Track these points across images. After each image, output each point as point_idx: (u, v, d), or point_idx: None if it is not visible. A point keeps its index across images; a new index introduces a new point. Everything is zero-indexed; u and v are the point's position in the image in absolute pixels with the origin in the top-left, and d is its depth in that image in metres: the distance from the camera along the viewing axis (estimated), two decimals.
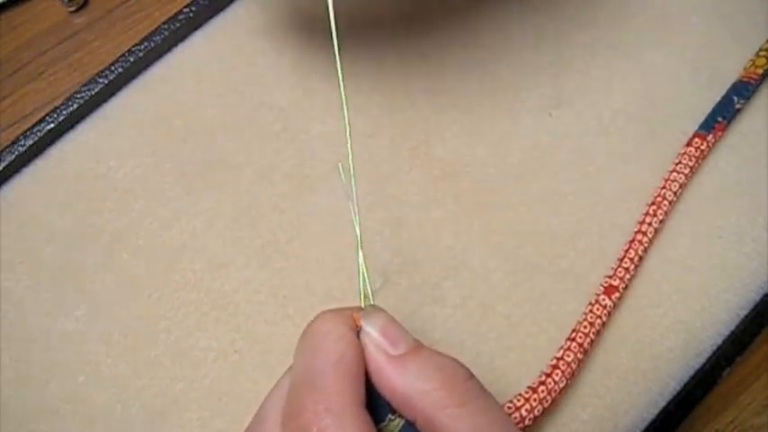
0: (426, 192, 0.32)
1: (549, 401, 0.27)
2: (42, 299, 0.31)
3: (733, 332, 0.29)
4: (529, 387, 0.27)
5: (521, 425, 0.27)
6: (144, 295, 0.31)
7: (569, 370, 0.28)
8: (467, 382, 0.21)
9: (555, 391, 0.28)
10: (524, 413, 0.27)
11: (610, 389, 0.29)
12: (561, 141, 0.32)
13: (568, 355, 0.28)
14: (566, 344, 0.28)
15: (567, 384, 0.28)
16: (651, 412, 0.29)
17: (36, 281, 0.31)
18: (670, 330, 0.29)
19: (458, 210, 0.31)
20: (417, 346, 0.21)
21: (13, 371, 0.30)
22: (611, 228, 0.31)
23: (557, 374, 0.28)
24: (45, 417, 0.29)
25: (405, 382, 0.20)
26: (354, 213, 0.25)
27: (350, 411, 0.20)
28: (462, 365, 0.21)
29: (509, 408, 0.27)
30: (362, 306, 0.24)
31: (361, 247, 0.24)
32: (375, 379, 0.21)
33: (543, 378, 0.28)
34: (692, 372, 0.29)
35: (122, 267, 0.31)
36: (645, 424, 0.28)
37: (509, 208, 0.31)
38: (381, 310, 0.23)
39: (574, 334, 0.29)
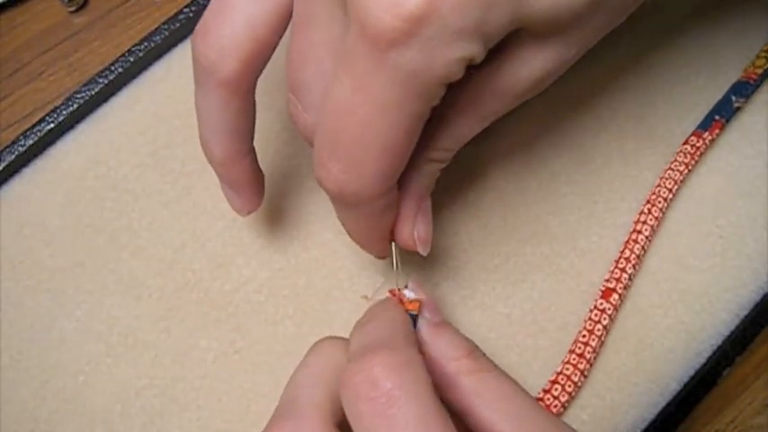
0: None
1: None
2: (42, 299, 0.31)
3: (733, 332, 0.29)
4: None
5: None
6: (144, 295, 0.31)
7: (570, 383, 0.28)
8: (485, 356, 0.23)
9: (556, 406, 0.27)
10: None
11: (610, 389, 0.29)
12: (561, 141, 0.32)
13: (568, 369, 0.28)
14: (566, 356, 0.28)
15: (569, 398, 0.28)
16: (651, 412, 0.29)
17: (36, 281, 0.31)
18: (670, 330, 0.29)
19: (458, 210, 0.31)
20: (447, 322, 0.24)
21: (13, 371, 0.30)
22: (611, 228, 0.31)
23: (556, 389, 0.28)
24: (45, 417, 0.29)
25: (438, 347, 0.23)
26: None
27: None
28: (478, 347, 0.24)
29: None
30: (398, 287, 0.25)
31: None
32: (421, 340, 0.23)
33: (541, 394, 0.28)
34: (692, 372, 0.29)
35: (122, 267, 0.31)
36: (645, 424, 0.28)
37: (509, 208, 0.31)
38: (422, 286, 0.26)
39: (573, 345, 0.29)
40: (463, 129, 0.23)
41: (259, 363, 0.29)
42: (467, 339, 0.23)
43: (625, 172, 0.32)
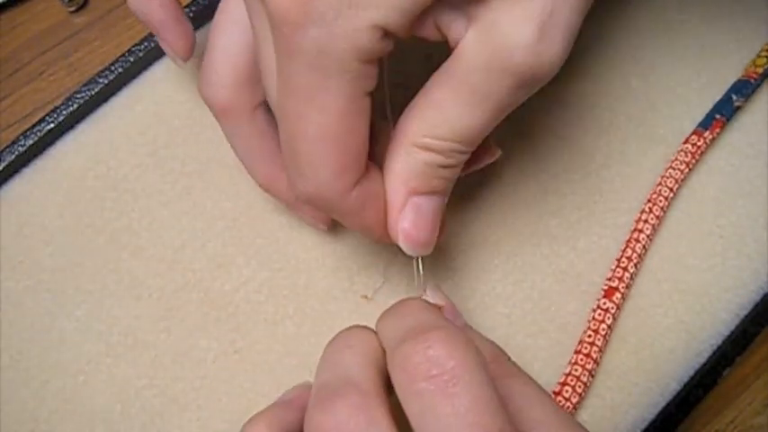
0: None
1: None
2: (42, 299, 0.31)
3: (733, 332, 0.29)
4: None
5: None
6: (144, 295, 0.31)
7: (580, 384, 0.28)
8: (510, 361, 0.23)
9: (567, 408, 0.27)
10: None
11: (610, 389, 0.29)
12: (561, 141, 0.32)
13: (576, 370, 0.28)
14: (573, 357, 0.28)
15: (580, 399, 0.28)
16: (651, 412, 0.29)
17: (36, 281, 0.31)
18: (670, 330, 0.29)
19: (458, 210, 0.31)
20: (469, 326, 0.24)
21: (13, 371, 0.30)
22: (611, 228, 0.31)
23: (567, 391, 0.28)
24: (45, 417, 0.29)
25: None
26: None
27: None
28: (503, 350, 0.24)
29: None
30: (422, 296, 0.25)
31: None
32: None
33: (552, 397, 0.28)
34: (692, 372, 0.29)
35: (122, 267, 0.31)
36: (645, 424, 0.28)
37: (509, 208, 0.31)
38: (441, 290, 0.26)
39: (579, 346, 0.28)
40: (462, 117, 0.21)
41: (259, 363, 0.29)
42: (491, 343, 0.23)
43: (625, 172, 0.32)
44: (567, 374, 0.28)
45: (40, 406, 0.29)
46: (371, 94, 0.21)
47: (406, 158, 0.22)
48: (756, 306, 0.30)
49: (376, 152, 0.23)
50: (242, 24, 0.24)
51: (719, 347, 0.29)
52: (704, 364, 0.29)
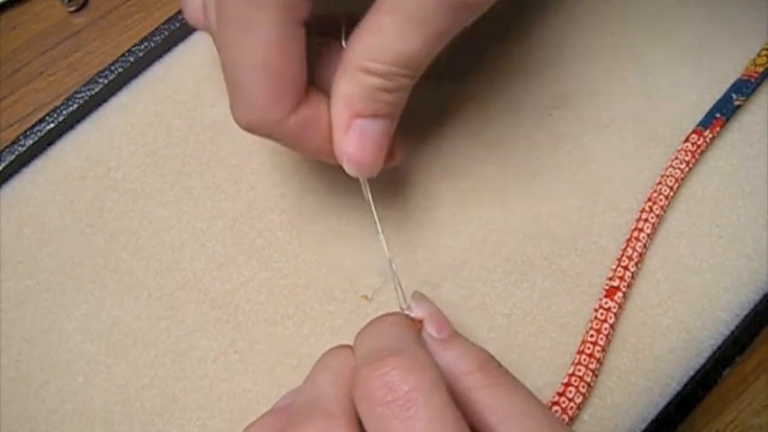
0: (426, 191, 0.32)
1: (567, 420, 0.27)
2: (42, 299, 0.31)
3: (733, 332, 0.29)
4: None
5: None
6: (144, 295, 0.31)
7: (584, 384, 0.28)
8: (499, 368, 0.22)
9: (571, 408, 0.27)
10: None
11: (610, 389, 0.29)
12: (561, 141, 0.32)
13: (579, 370, 0.28)
14: (576, 357, 0.28)
15: (584, 399, 0.28)
16: (651, 412, 0.29)
17: (36, 281, 0.31)
18: (670, 330, 0.29)
19: (458, 210, 0.31)
20: (457, 334, 0.23)
21: (13, 371, 0.30)
22: (611, 228, 0.31)
23: (570, 391, 0.28)
24: (45, 417, 0.29)
25: (446, 363, 0.22)
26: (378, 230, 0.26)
27: None
28: (492, 356, 0.23)
29: None
30: (402, 308, 0.25)
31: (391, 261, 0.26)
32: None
33: (556, 398, 0.28)
34: (692, 372, 0.29)
35: (122, 267, 0.31)
36: (645, 424, 0.28)
37: (509, 208, 0.31)
38: (427, 299, 0.25)
39: (582, 346, 0.28)
40: (401, 41, 0.21)
41: (259, 363, 0.29)
42: (479, 351, 0.23)
43: (625, 172, 0.32)
44: (571, 375, 0.28)
45: (40, 406, 0.29)
46: (305, 23, 0.21)
47: (349, 82, 0.22)
48: (756, 306, 0.30)
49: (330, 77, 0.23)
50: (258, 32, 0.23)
51: (719, 347, 0.29)
52: (704, 364, 0.29)
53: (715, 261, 0.30)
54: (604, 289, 0.29)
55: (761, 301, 0.30)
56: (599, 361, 0.28)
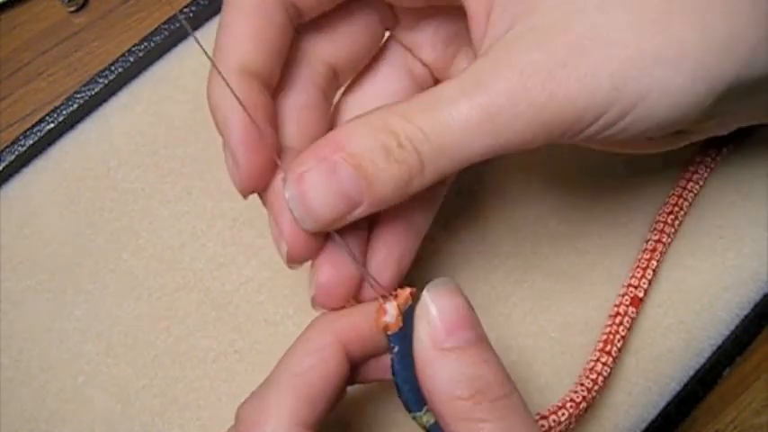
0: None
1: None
2: (42, 299, 0.31)
3: (733, 332, 0.29)
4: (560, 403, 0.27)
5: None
6: (144, 295, 0.31)
7: (603, 373, 0.28)
8: (498, 400, 0.19)
9: (586, 399, 0.27)
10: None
11: (610, 389, 0.29)
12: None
13: (606, 370, 0.28)
14: (597, 355, 0.28)
15: (600, 388, 0.28)
16: (651, 412, 0.29)
17: (36, 281, 0.31)
18: (670, 330, 0.29)
19: (458, 210, 0.31)
20: (471, 343, 0.20)
21: (13, 371, 0.30)
22: (611, 227, 0.31)
23: (588, 382, 0.28)
24: (45, 417, 0.29)
25: (437, 380, 0.19)
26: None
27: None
28: (505, 382, 0.20)
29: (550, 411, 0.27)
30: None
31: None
32: (416, 363, 0.20)
33: (583, 394, 0.27)
34: (692, 372, 0.29)
35: (122, 267, 0.31)
36: (645, 424, 0.28)
37: (509, 208, 0.31)
38: (453, 286, 0.21)
39: (609, 346, 0.28)
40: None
41: (259, 363, 0.29)
42: (476, 377, 0.19)
43: (625, 172, 0.32)
44: (595, 360, 0.28)
45: (40, 406, 0.29)
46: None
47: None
48: (756, 306, 0.30)
49: None
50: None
51: (719, 347, 0.29)
52: (704, 364, 0.29)
53: (715, 261, 0.30)
54: (629, 296, 0.29)
55: (761, 301, 0.30)
56: (614, 357, 0.28)
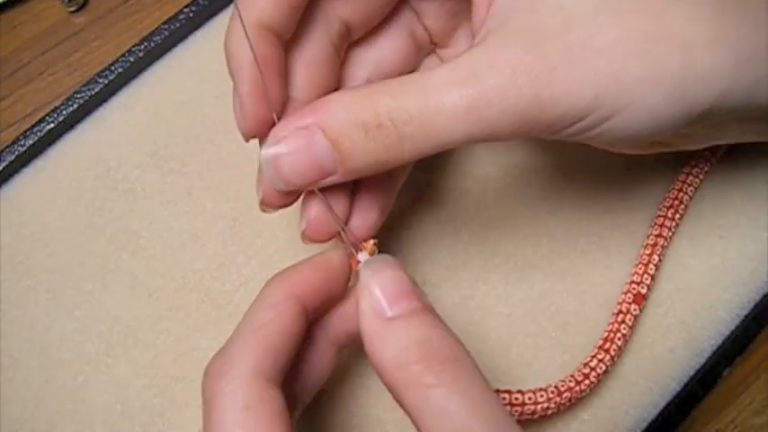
0: (426, 192, 0.32)
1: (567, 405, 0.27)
2: (42, 299, 0.31)
3: (733, 332, 0.29)
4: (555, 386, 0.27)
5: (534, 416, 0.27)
6: (144, 295, 0.31)
7: (596, 381, 0.28)
8: (448, 362, 0.19)
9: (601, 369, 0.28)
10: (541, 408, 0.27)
11: (610, 389, 0.29)
12: (561, 141, 0.32)
13: (601, 366, 0.28)
14: (594, 351, 0.28)
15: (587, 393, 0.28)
16: (651, 412, 0.29)
17: (36, 281, 0.31)
18: (670, 330, 0.29)
19: (458, 210, 0.31)
20: (415, 312, 0.20)
21: (13, 371, 0.30)
22: (611, 227, 0.31)
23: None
24: (45, 417, 0.29)
25: (385, 350, 0.19)
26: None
27: (246, 381, 0.20)
28: (454, 345, 0.19)
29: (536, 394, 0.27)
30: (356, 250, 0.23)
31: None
32: (363, 339, 0.20)
33: (569, 385, 0.28)
34: (692, 372, 0.29)
35: (122, 267, 0.31)
36: (645, 424, 0.28)
37: (509, 208, 0.31)
38: (393, 261, 0.21)
39: (608, 344, 0.28)
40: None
41: None
42: (423, 341, 0.19)
43: (626, 172, 0.32)
44: (591, 367, 0.28)
45: (40, 406, 0.29)
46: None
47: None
48: (756, 306, 0.30)
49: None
50: None
51: (719, 347, 0.29)
52: (704, 364, 0.29)
53: (715, 261, 0.30)
54: (631, 293, 0.29)
55: (761, 300, 0.30)
56: (613, 359, 0.28)
